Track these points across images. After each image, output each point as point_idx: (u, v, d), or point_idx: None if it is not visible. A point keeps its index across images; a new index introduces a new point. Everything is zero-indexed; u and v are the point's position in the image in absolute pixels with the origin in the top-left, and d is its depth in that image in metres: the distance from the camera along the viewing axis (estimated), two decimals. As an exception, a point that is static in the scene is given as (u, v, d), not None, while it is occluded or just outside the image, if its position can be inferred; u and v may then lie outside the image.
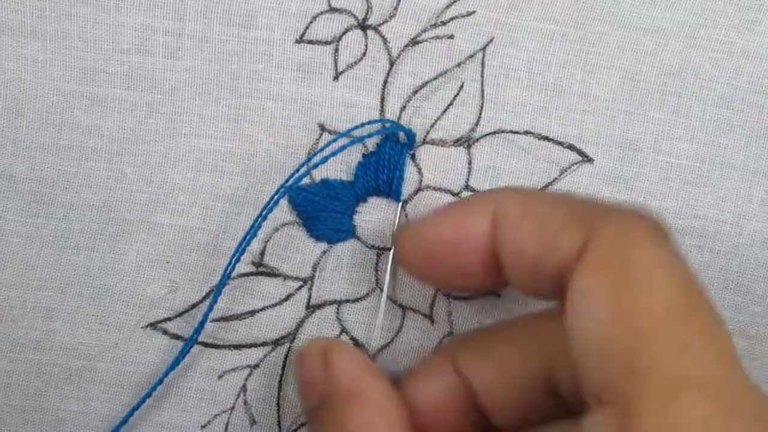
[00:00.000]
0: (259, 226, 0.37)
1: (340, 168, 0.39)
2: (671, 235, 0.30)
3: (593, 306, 0.28)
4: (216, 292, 0.38)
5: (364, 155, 0.39)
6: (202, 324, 0.38)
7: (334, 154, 0.37)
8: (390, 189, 0.38)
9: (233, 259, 0.37)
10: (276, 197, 0.37)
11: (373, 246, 0.39)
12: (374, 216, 0.39)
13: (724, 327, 0.28)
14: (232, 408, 0.41)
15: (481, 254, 0.33)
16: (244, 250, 0.38)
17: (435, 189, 0.39)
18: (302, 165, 0.38)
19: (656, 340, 0.26)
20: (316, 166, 0.38)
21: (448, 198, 0.39)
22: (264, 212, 0.37)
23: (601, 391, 0.27)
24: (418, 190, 0.39)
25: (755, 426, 0.26)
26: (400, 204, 0.39)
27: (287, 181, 0.38)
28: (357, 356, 0.37)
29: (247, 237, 0.37)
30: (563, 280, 0.29)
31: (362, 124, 0.38)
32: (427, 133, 0.39)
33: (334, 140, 0.38)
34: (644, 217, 0.30)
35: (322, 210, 0.39)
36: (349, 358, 0.36)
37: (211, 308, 0.38)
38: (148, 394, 0.39)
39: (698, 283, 0.28)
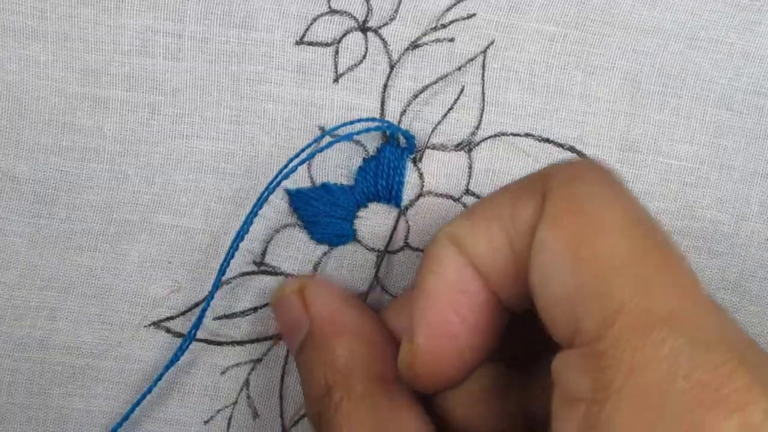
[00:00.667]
0: (251, 222, 0.37)
1: (340, 173, 0.39)
2: (618, 177, 0.30)
3: (553, 257, 0.28)
4: (213, 287, 0.38)
5: (364, 160, 0.39)
6: (199, 319, 0.39)
7: (321, 149, 0.37)
8: (390, 194, 0.38)
9: (229, 255, 0.38)
10: (265, 194, 0.37)
11: (373, 249, 0.39)
12: (374, 221, 0.39)
13: (685, 261, 0.27)
14: (235, 402, 0.41)
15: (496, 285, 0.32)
16: (237, 247, 0.38)
17: (436, 195, 0.39)
18: (291, 159, 0.38)
19: (618, 281, 0.26)
20: (303, 161, 0.38)
21: (450, 204, 0.39)
22: (255, 209, 0.37)
23: (571, 336, 0.27)
24: (420, 195, 0.39)
25: (727, 357, 0.25)
26: (399, 211, 0.39)
27: (278, 177, 0.38)
28: (334, 289, 0.37)
29: (240, 233, 0.38)
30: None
31: (358, 121, 0.38)
32: (428, 138, 0.39)
33: (334, 142, 0.38)
34: (591, 164, 0.30)
35: (323, 215, 0.39)
36: (326, 292, 0.36)
37: (208, 304, 0.38)
38: (149, 390, 0.40)
39: (652, 219, 0.28)
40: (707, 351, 0.25)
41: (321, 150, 0.38)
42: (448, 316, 0.31)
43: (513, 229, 0.30)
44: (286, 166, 0.38)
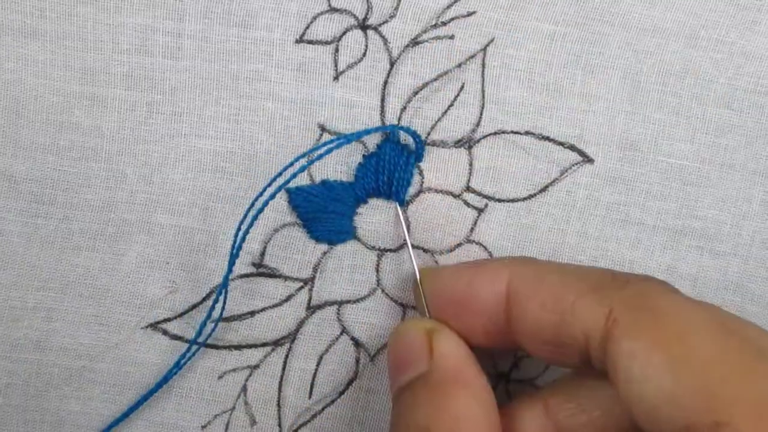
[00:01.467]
0: (251, 225, 0.37)
1: (340, 169, 0.39)
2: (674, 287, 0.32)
3: (645, 366, 0.29)
4: (216, 295, 0.38)
5: (364, 156, 0.39)
6: (202, 326, 0.38)
7: (329, 150, 0.37)
8: (390, 190, 0.38)
9: (231, 262, 0.38)
10: (271, 193, 0.37)
11: (373, 247, 0.39)
12: (375, 217, 0.39)
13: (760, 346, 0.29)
14: (233, 408, 0.41)
15: (486, 318, 0.35)
16: (238, 254, 0.38)
17: (436, 191, 0.39)
18: (297, 159, 0.38)
19: (723, 373, 0.28)
20: (311, 162, 0.38)
21: (450, 201, 0.39)
22: (257, 213, 0.37)
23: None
24: (420, 191, 0.39)
25: None
26: (400, 206, 0.39)
27: (280, 175, 0.38)
28: (461, 343, 0.37)
29: (240, 234, 0.38)
30: (588, 350, 0.31)
31: (367, 132, 0.39)
32: (428, 134, 0.39)
33: (333, 141, 0.38)
34: (653, 278, 0.32)
35: (323, 211, 0.39)
36: (455, 343, 0.36)
37: (211, 311, 0.38)
38: (150, 394, 0.39)
39: (733, 317, 0.30)
40: None
41: (319, 148, 0.38)
42: None
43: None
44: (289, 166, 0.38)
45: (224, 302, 0.39)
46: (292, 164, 0.38)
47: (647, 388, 0.29)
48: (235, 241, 0.37)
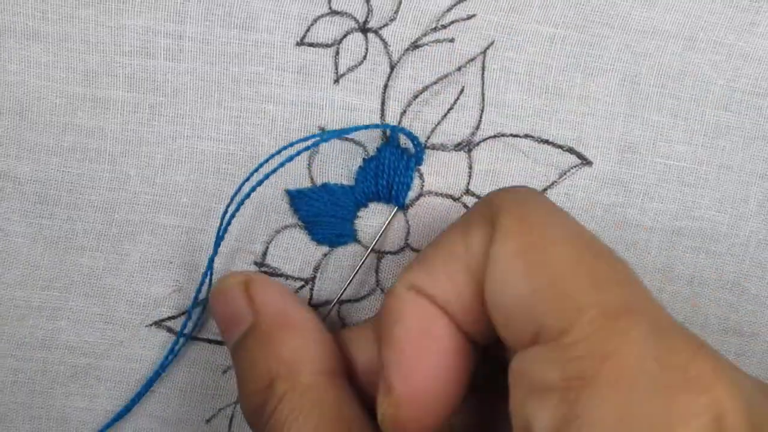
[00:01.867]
0: (237, 209, 0.39)
1: (341, 173, 0.40)
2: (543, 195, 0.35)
3: (506, 267, 0.29)
4: (202, 278, 0.39)
5: (364, 160, 0.39)
6: (191, 309, 0.40)
7: (322, 141, 0.38)
8: (390, 194, 0.39)
9: (216, 244, 0.39)
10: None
11: (373, 250, 0.40)
12: (375, 221, 0.40)
13: (629, 266, 0.30)
14: (236, 402, 0.42)
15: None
16: (223, 237, 0.39)
17: (436, 194, 0.39)
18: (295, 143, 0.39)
19: (574, 281, 0.28)
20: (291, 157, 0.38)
21: (450, 204, 0.40)
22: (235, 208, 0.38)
23: (532, 337, 0.28)
24: (420, 195, 0.40)
25: (689, 342, 0.27)
26: (396, 209, 0.39)
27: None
28: (280, 288, 0.38)
29: (227, 217, 0.38)
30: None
31: (366, 128, 0.39)
32: (428, 138, 0.39)
33: (327, 138, 0.38)
34: (532, 190, 0.34)
35: (323, 215, 0.39)
36: (272, 290, 0.37)
37: (197, 294, 0.39)
38: (147, 386, 0.41)
39: (593, 234, 0.31)
40: (670, 337, 0.27)
41: (317, 143, 0.38)
42: (423, 364, 0.32)
43: (469, 260, 0.31)
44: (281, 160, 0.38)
45: (209, 285, 0.40)
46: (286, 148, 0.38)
47: (505, 291, 0.29)
48: (221, 224, 0.38)
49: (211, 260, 0.39)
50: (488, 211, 0.31)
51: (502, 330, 0.30)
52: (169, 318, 0.41)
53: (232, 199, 0.39)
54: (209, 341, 0.41)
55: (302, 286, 0.40)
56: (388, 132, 0.39)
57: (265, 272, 0.40)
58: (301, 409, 0.34)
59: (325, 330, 0.37)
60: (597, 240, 0.31)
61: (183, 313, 0.41)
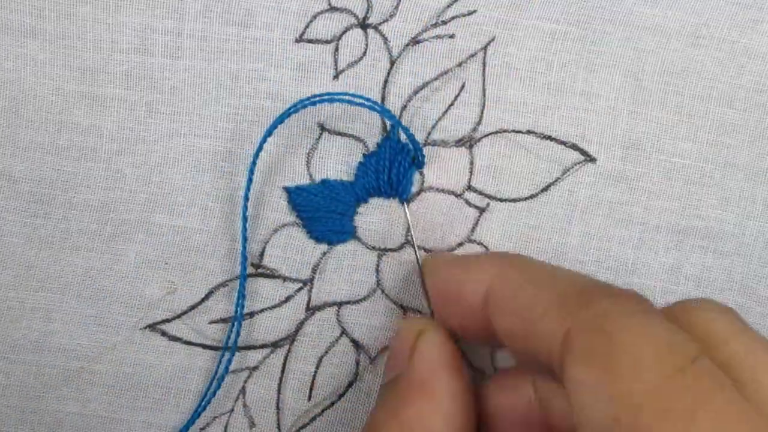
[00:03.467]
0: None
1: (340, 168, 0.40)
2: (650, 305, 0.31)
3: (589, 397, 0.29)
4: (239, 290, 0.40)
5: (364, 155, 0.40)
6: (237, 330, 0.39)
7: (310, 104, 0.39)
8: (390, 189, 0.39)
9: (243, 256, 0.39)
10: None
11: (373, 247, 0.40)
12: (375, 217, 0.40)
13: (725, 385, 0.28)
14: (231, 410, 0.41)
15: (471, 316, 0.36)
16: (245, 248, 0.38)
17: (437, 190, 0.40)
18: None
19: (652, 416, 0.27)
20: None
21: (451, 200, 0.40)
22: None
23: None
24: (421, 191, 0.40)
25: None
26: (403, 202, 0.39)
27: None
28: (445, 348, 0.37)
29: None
30: (552, 362, 0.32)
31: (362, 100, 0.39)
32: (429, 134, 0.39)
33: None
34: (621, 294, 0.32)
35: (323, 211, 0.40)
36: (435, 348, 0.37)
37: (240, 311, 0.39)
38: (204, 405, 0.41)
39: (687, 343, 0.29)
40: None
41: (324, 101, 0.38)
42: None
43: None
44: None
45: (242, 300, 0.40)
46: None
47: (592, 418, 0.29)
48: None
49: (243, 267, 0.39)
50: (565, 308, 0.32)
51: None
52: (164, 321, 0.41)
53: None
54: (204, 347, 0.41)
55: (300, 288, 0.40)
56: (388, 127, 0.39)
57: (262, 274, 0.40)
58: None
59: (465, 403, 0.36)
60: (692, 356, 0.29)
61: (178, 316, 0.41)
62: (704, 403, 0.27)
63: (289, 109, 0.38)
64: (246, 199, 0.39)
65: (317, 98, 0.38)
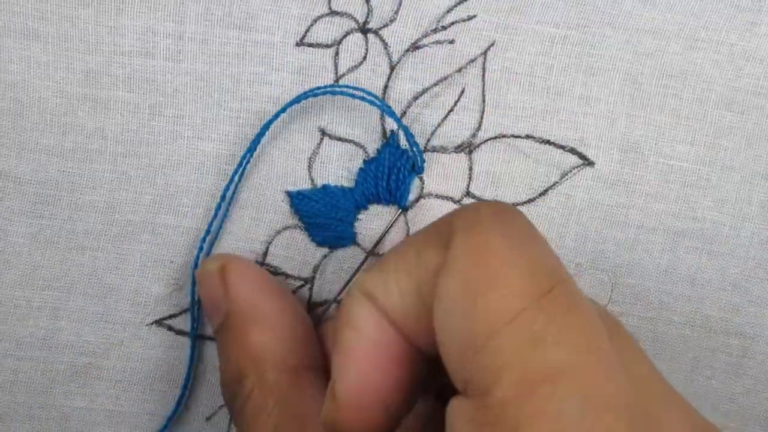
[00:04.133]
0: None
1: (341, 174, 0.40)
2: (519, 216, 0.30)
3: (451, 306, 0.28)
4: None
5: (364, 161, 0.40)
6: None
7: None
8: (390, 195, 0.39)
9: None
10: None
11: (373, 253, 0.41)
12: (375, 223, 0.41)
13: (591, 310, 0.28)
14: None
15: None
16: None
17: (436, 196, 0.40)
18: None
19: (507, 336, 0.26)
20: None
21: (450, 206, 0.41)
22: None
23: (465, 385, 0.28)
24: (420, 197, 0.40)
25: (616, 422, 0.25)
26: (399, 212, 0.40)
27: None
28: (256, 272, 0.39)
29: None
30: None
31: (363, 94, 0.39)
32: (428, 140, 0.40)
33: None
34: (496, 208, 0.30)
35: (323, 217, 0.40)
36: (248, 275, 0.38)
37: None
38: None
39: (557, 266, 0.29)
40: (597, 412, 0.25)
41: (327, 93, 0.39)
42: (368, 371, 0.32)
43: (420, 278, 0.30)
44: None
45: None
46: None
47: (445, 329, 0.28)
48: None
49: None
50: (446, 231, 0.30)
51: (446, 366, 0.29)
52: (170, 316, 0.41)
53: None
54: (210, 339, 0.42)
55: (302, 285, 0.41)
56: (388, 133, 0.40)
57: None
58: (264, 407, 0.36)
59: (301, 321, 0.38)
60: (560, 280, 0.28)
61: (185, 311, 0.41)
62: (565, 328, 0.27)
63: (291, 102, 0.39)
64: (227, 189, 0.40)
65: (319, 91, 0.39)
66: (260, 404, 0.36)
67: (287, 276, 0.41)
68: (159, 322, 0.42)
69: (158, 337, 0.42)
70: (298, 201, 0.40)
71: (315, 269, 0.41)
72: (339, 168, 0.41)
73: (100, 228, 0.41)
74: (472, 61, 0.40)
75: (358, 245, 0.41)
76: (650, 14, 0.40)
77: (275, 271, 0.41)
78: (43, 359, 0.42)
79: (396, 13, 0.39)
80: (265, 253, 0.41)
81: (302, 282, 0.41)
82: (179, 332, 0.42)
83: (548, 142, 0.40)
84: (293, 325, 0.38)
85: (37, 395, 0.42)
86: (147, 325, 0.42)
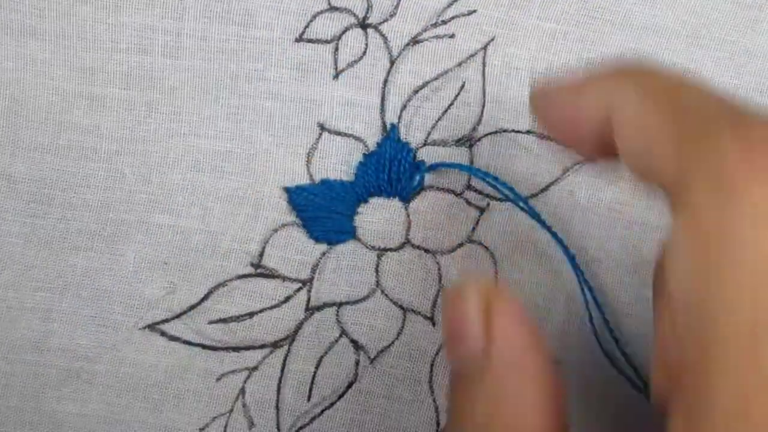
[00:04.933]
0: None
1: (340, 168, 0.40)
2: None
3: (683, 270, 0.26)
4: None
5: (364, 154, 0.40)
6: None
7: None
8: (391, 188, 0.39)
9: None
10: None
11: (373, 247, 0.40)
12: (375, 217, 0.41)
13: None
14: (231, 411, 0.42)
15: (592, 138, 0.31)
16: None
17: (437, 189, 0.40)
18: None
19: (729, 338, 0.24)
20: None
21: (451, 199, 0.41)
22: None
23: (677, 367, 0.26)
24: (421, 189, 0.40)
25: None
26: (404, 204, 0.40)
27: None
28: (522, 319, 0.32)
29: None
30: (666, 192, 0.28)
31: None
32: (429, 133, 0.40)
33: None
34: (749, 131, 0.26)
35: (323, 211, 0.40)
36: (515, 323, 0.32)
37: None
38: None
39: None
40: None
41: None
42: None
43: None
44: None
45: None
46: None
47: (677, 287, 0.26)
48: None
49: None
50: (682, 153, 0.27)
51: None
52: (163, 321, 0.41)
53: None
54: (202, 346, 0.41)
55: (300, 288, 0.41)
56: (388, 127, 0.40)
57: (262, 273, 0.41)
58: None
59: (555, 379, 0.32)
60: None
61: (178, 316, 0.41)
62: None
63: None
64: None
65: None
66: None
67: (285, 279, 0.41)
68: (152, 327, 0.41)
69: (151, 341, 0.41)
70: (296, 196, 0.40)
71: (314, 269, 0.41)
72: (338, 163, 0.40)
73: (93, 227, 0.41)
74: (472, 55, 0.40)
75: (358, 239, 0.41)
76: (651, 11, 0.40)
77: (272, 274, 0.41)
78: (35, 363, 0.41)
79: (396, 7, 0.40)
80: (262, 254, 0.41)
81: (300, 284, 0.41)
82: (172, 338, 0.41)
83: (549, 138, 0.40)
84: (554, 381, 0.31)
85: (29, 399, 0.41)
86: (140, 329, 0.41)
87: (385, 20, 0.40)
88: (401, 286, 0.41)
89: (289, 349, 0.41)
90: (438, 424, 0.42)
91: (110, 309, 0.41)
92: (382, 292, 0.41)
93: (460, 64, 0.40)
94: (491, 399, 0.31)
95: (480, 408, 0.31)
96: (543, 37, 0.40)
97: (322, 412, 0.42)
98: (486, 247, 0.41)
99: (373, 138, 0.40)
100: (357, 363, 0.42)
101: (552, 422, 0.30)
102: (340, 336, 0.41)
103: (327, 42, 0.40)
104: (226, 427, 0.42)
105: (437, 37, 0.40)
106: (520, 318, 0.32)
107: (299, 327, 0.41)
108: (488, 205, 0.41)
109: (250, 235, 0.41)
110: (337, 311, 0.41)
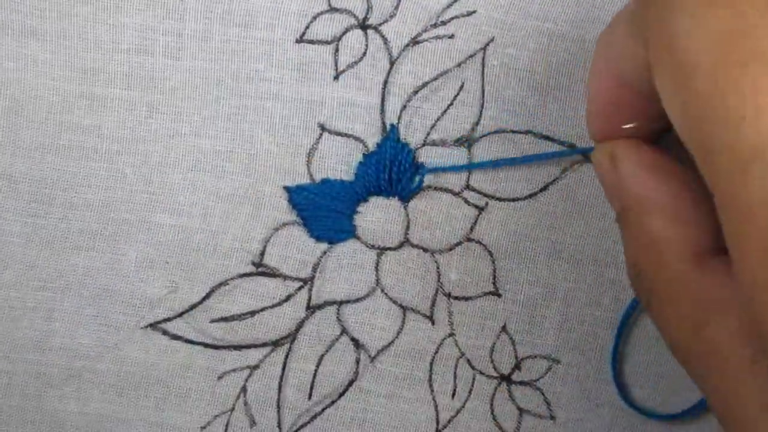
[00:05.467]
0: None
1: (340, 168, 0.41)
2: None
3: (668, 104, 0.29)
4: None
5: (364, 155, 0.40)
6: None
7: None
8: (391, 187, 0.40)
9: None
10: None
11: (373, 246, 0.41)
12: (375, 216, 0.41)
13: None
14: (232, 409, 0.42)
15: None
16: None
17: (436, 188, 0.40)
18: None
19: (711, 117, 0.26)
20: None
21: (450, 199, 0.41)
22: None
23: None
24: (420, 189, 0.41)
25: None
26: (403, 203, 0.40)
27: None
28: (647, 157, 0.35)
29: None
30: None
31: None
32: (428, 133, 0.40)
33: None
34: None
35: (323, 210, 0.40)
36: (637, 163, 0.35)
37: None
38: None
39: (748, 22, 0.27)
40: None
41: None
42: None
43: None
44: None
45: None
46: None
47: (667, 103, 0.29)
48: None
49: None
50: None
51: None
52: (165, 320, 0.41)
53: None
54: (204, 345, 0.41)
55: (301, 287, 0.41)
56: (388, 127, 0.40)
57: (263, 272, 0.41)
58: (670, 301, 0.33)
59: (701, 201, 0.33)
60: (748, 40, 0.27)
61: (180, 315, 0.41)
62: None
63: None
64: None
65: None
66: (665, 298, 0.33)
67: (286, 278, 0.41)
68: (154, 326, 0.42)
69: (153, 340, 0.42)
70: (296, 195, 0.41)
71: (314, 268, 0.41)
72: (338, 163, 0.41)
73: (95, 227, 0.41)
74: (471, 56, 0.40)
75: (358, 239, 0.41)
76: (649, 11, 0.40)
77: (273, 273, 0.41)
78: (37, 362, 0.41)
79: (396, 8, 0.40)
80: (263, 253, 0.41)
81: (301, 283, 0.41)
82: (174, 337, 0.41)
83: (548, 137, 0.40)
84: (693, 209, 0.34)
85: (31, 399, 0.42)
86: (141, 328, 0.41)
87: (385, 21, 0.40)
88: (401, 285, 0.42)
89: (290, 347, 0.42)
90: (438, 422, 0.42)
91: (112, 308, 0.41)
92: (382, 290, 0.41)
93: (459, 65, 0.40)
94: (631, 232, 0.34)
95: (629, 252, 0.35)
96: (542, 37, 0.40)
97: (323, 410, 0.42)
98: (484, 245, 0.41)
99: (373, 138, 0.41)
100: (357, 361, 0.42)
101: (696, 231, 0.33)
102: (341, 334, 0.42)
103: (327, 43, 0.40)
104: (227, 425, 0.42)
105: (437, 37, 0.40)
106: (641, 150, 0.35)
107: (300, 325, 0.42)
108: (487, 204, 0.41)
109: (251, 234, 0.41)
110: (338, 310, 0.42)
